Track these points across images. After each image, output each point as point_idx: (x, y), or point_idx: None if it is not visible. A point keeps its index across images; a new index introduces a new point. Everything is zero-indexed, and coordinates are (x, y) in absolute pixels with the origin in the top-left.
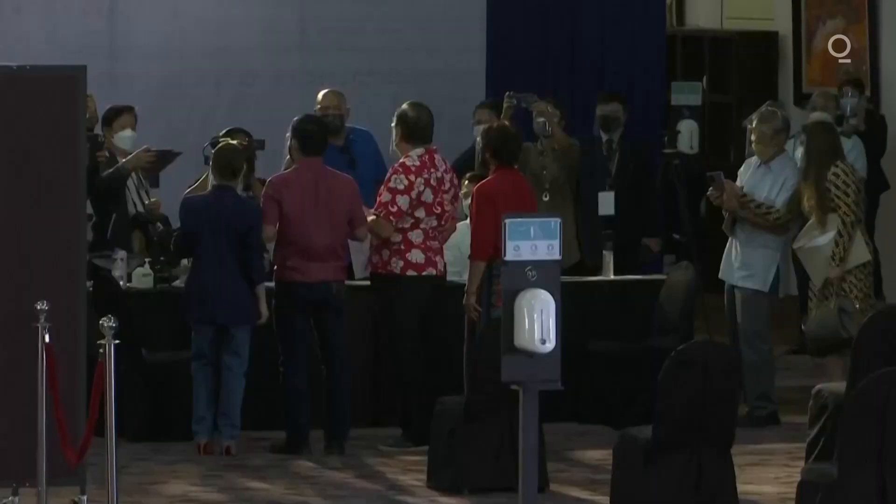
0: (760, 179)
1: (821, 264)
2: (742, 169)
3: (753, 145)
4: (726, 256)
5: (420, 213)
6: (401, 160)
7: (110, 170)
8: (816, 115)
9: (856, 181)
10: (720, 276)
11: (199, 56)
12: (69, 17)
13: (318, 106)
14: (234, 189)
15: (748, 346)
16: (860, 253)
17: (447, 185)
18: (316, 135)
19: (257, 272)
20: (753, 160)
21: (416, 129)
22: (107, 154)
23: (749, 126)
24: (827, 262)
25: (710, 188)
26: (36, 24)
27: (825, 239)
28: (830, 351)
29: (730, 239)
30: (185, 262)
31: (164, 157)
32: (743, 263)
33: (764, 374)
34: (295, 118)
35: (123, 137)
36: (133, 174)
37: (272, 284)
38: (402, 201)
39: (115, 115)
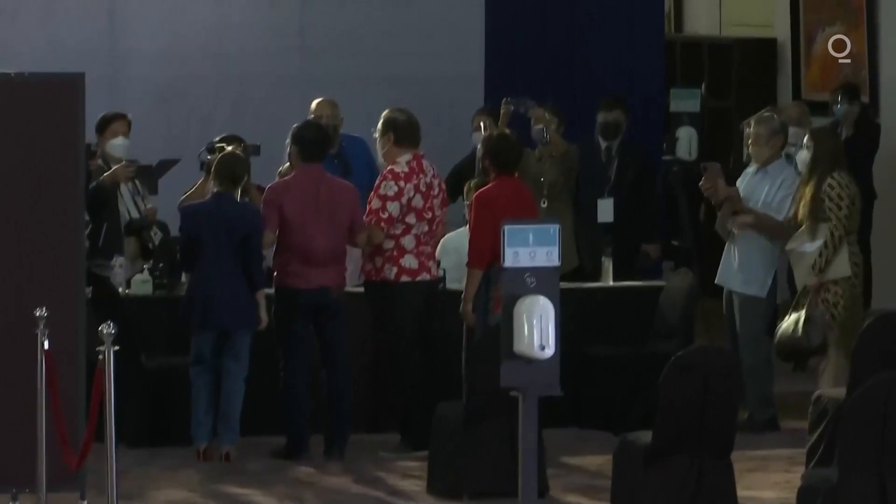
0: (758, 184)
1: (804, 270)
2: (739, 180)
3: (750, 148)
4: (724, 262)
5: (411, 219)
6: (389, 167)
7: (92, 184)
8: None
9: (851, 194)
10: (717, 281)
11: (198, 60)
12: (68, 22)
13: (312, 115)
14: (233, 195)
15: (747, 351)
16: (841, 267)
17: (436, 190)
18: (316, 141)
19: (258, 277)
20: (751, 168)
21: (407, 132)
22: (99, 162)
23: (746, 129)
24: (808, 270)
25: (703, 178)
26: (35, 29)
27: (812, 247)
28: (793, 357)
29: (727, 244)
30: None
31: (162, 166)
32: (741, 268)
33: (763, 378)
34: (295, 124)
35: (115, 145)
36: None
37: (271, 291)
38: (393, 208)
39: (107, 123)
